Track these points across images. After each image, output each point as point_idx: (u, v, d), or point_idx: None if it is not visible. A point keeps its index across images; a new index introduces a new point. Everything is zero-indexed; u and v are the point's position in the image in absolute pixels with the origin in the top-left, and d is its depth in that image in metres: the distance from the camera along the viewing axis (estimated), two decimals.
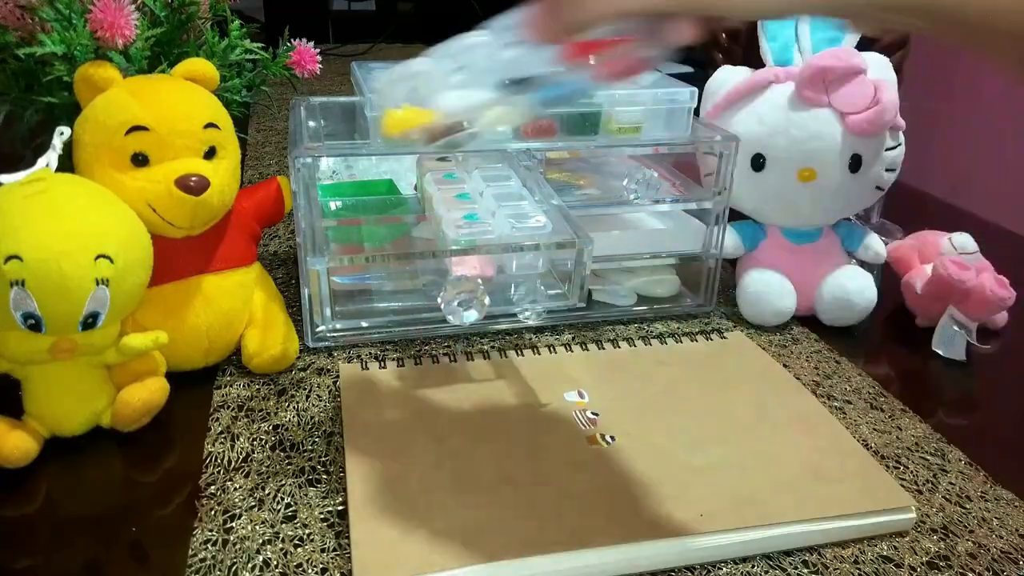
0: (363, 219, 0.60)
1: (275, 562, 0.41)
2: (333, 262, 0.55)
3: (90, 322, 0.45)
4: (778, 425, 0.50)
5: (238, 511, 0.44)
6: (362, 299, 0.64)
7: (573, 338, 0.62)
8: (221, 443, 0.49)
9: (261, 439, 0.50)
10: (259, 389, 0.55)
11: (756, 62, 0.66)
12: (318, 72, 0.64)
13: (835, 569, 0.42)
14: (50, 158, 0.47)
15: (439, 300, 0.51)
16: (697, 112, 0.64)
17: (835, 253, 0.67)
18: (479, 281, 0.51)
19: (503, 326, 0.64)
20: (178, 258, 0.53)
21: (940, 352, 0.63)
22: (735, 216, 0.67)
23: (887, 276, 0.72)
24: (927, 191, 1.02)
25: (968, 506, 0.47)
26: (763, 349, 0.60)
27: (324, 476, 0.47)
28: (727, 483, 0.45)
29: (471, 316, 0.51)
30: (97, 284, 0.44)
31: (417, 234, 0.65)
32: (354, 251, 0.62)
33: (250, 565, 0.40)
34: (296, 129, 0.59)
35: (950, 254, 0.65)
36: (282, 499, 0.45)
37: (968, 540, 0.44)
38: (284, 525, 0.43)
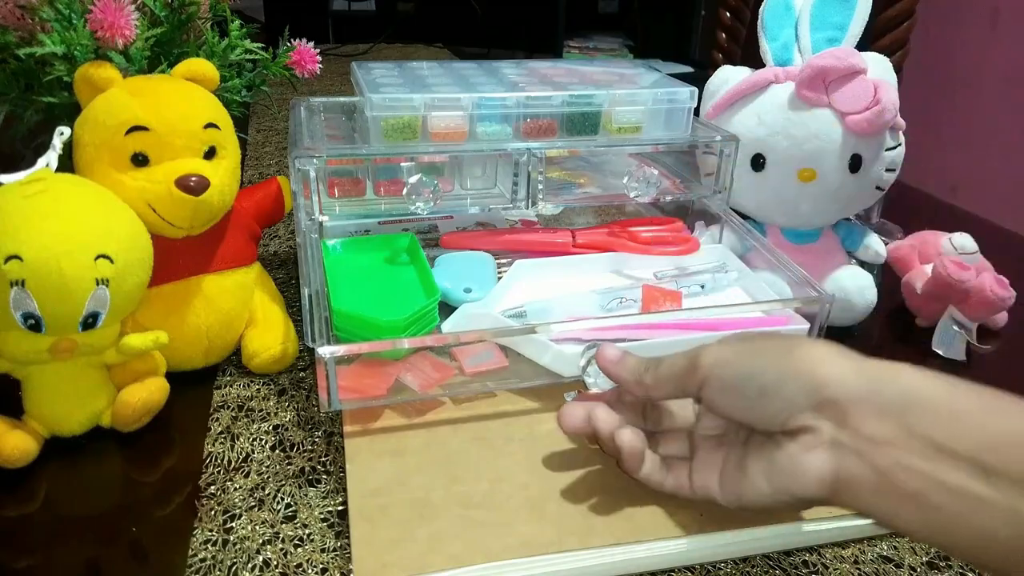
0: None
1: (275, 562, 0.41)
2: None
3: (90, 322, 0.45)
4: None
5: (238, 511, 0.44)
6: None
7: None
8: (221, 443, 0.49)
9: (261, 439, 0.50)
10: (259, 389, 0.55)
11: (756, 62, 0.66)
12: (318, 72, 0.64)
13: (835, 569, 0.42)
14: (50, 158, 0.47)
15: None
16: (697, 112, 0.64)
17: (835, 253, 0.67)
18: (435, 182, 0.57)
19: None
20: (178, 258, 0.53)
21: (940, 352, 0.63)
22: None
23: (887, 276, 0.72)
24: (927, 191, 1.02)
25: None
26: None
27: (324, 476, 0.47)
28: None
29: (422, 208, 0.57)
30: (97, 284, 0.44)
31: (448, 329, 0.54)
32: (376, 371, 0.49)
33: (250, 565, 0.40)
34: (296, 129, 0.59)
35: (950, 254, 0.65)
36: (282, 499, 0.45)
37: None
38: (284, 525, 0.43)
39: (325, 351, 0.44)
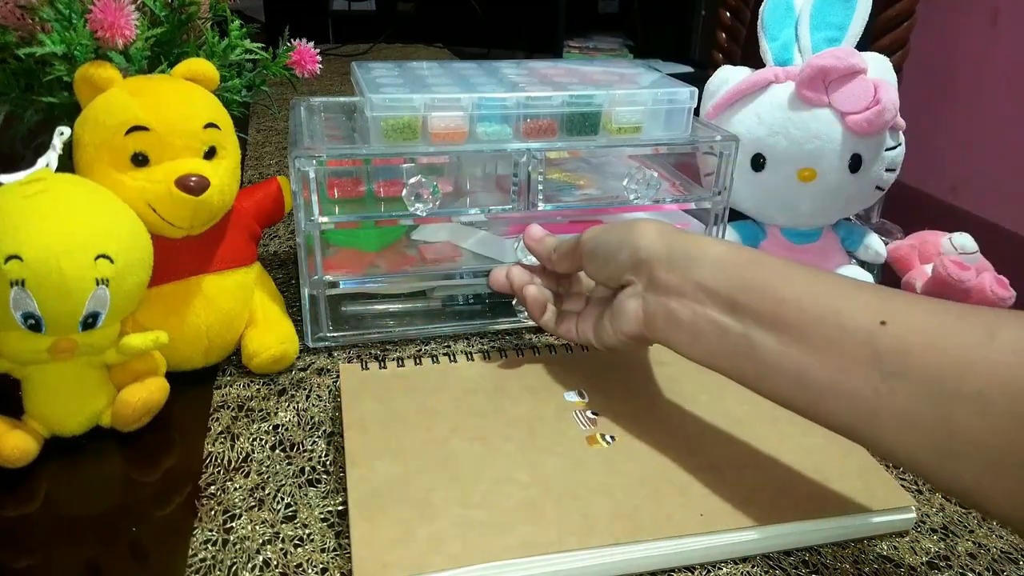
0: (359, 222, 0.60)
1: (275, 562, 0.41)
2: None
3: (90, 322, 0.45)
4: (778, 424, 0.50)
5: (238, 511, 0.44)
6: (363, 299, 0.64)
7: None
8: (221, 443, 0.49)
9: (261, 439, 0.50)
10: (259, 389, 0.55)
11: (756, 62, 0.66)
12: (318, 72, 0.64)
13: (835, 569, 0.42)
14: (50, 158, 0.47)
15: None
16: (697, 112, 0.64)
17: (835, 253, 0.67)
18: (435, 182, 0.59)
19: (503, 326, 0.64)
20: (178, 258, 0.53)
21: None
22: (735, 216, 0.67)
23: (887, 276, 0.72)
24: (927, 191, 1.02)
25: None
26: None
27: (324, 476, 0.47)
28: (727, 483, 0.45)
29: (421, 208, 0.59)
30: (97, 284, 0.44)
31: (417, 237, 0.65)
32: (355, 257, 0.63)
33: (250, 565, 0.40)
34: (296, 129, 0.59)
35: (950, 254, 0.65)
36: (282, 499, 0.45)
37: (968, 540, 0.44)
38: (284, 525, 0.43)
39: (317, 217, 0.56)
